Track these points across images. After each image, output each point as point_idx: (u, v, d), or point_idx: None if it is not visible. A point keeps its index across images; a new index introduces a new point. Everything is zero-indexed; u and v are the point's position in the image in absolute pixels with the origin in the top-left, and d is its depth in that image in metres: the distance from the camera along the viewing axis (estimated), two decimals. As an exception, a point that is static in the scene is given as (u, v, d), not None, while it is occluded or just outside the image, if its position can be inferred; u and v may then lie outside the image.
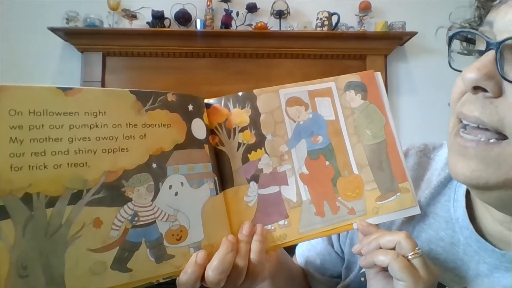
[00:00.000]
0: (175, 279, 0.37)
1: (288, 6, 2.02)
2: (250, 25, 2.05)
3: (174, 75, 2.02)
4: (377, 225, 0.43)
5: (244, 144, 0.44)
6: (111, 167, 0.35)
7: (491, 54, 0.34)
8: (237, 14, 2.03)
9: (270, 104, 0.45)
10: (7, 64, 1.95)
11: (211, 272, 0.36)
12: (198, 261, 0.36)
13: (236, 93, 0.45)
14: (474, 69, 0.33)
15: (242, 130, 0.44)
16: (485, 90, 0.34)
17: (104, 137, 0.35)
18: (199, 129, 0.41)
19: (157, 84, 1.99)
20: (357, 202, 0.44)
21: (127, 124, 0.36)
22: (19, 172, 0.31)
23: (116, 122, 0.35)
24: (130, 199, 0.35)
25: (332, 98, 0.46)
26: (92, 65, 1.99)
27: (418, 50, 2.13)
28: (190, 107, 0.41)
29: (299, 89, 0.46)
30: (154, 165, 0.37)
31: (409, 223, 0.48)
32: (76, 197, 0.33)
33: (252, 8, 2.02)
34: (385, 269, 0.38)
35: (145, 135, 0.37)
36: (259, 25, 2.00)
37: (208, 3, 2.00)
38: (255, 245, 0.40)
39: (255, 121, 0.44)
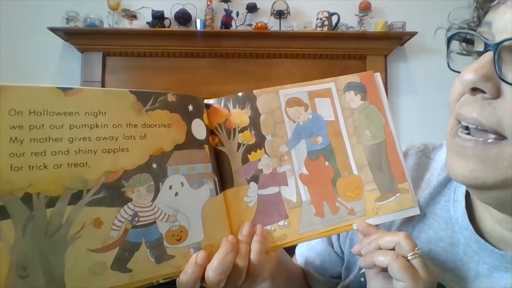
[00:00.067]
0: (175, 280, 0.37)
1: (288, 6, 2.02)
2: (250, 25, 2.05)
3: (174, 75, 2.02)
4: (376, 225, 0.43)
5: (244, 144, 0.44)
6: (111, 167, 0.35)
7: (489, 55, 0.34)
8: (237, 14, 2.02)
9: (270, 105, 0.45)
10: (7, 64, 1.95)
11: (211, 272, 0.36)
12: (198, 261, 0.36)
13: (236, 94, 0.45)
14: (472, 71, 0.33)
15: (242, 130, 0.44)
16: (483, 92, 0.34)
17: (104, 137, 0.35)
18: (199, 129, 0.41)
19: (157, 84, 1.99)
20: (357, 202, 0.44)
21: (127, 124, 0.36)
22: (19, 172, 0.31)
23: (116, 122, 0.35)
24: (130, 199, 0.35)
25: (331, 99, 0.46)
26: (92, 65, 1.99)
27: (418, 50, 2.13)
28: (190, 108, 0.41)
29: (299, 90, 0.46)
30: (154, 165, 0.37)
31: (409, 224, 0.48)
32: (76, 197, 0.33)
33: (252, 8, 2.02)
34: (384, 270, 0.38)
35: (145, 135, 0.37)
36: (259, 25, 2.00)
37: (208, 3, 2.00)
38: (255, 246, 0.40)
39: (255, 122, 0.44)
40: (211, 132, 0.43)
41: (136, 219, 0.35)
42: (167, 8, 1.98)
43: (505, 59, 0.33)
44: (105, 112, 0.35)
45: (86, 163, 0.33)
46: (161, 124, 0.38)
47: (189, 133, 0.40)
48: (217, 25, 2.03)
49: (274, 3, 2.01)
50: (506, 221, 0.40)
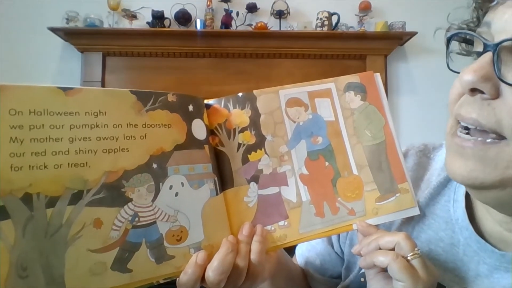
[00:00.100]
0: (175, 280, 0.37)
1: (288, 6, 2.02)
2: (250, 25, 2.05)
3: (174, 75, 2.02)
4: (376, 225, 0.43)
5: (244, 144, 0.44)
6: (111, 167, 0.35)
7: (488, 55, 0.34)
8: (237, 14, 2.02)
9: (270, 105, 0.45)
10: (7, 64, 1.95)
11: (211, 272, 0.36)
12: (198, 261, 0.36)
13: (236, 94, 0.45)
14: (471, 71, 0.33)
15: (242, 130, 0.44)
16: (482, 92, 0.34)
17: (105, 137, 0.35)
18: (199, 129, 0.41)
19: (157, 84, 1.99)
20: (357, 202, 0.44)
21: (127, 124, 0.36)
22: (19, 172, 0.31)
23: (116, 122, 0.35)
24: (130, 200, 0.35)
25: (331, 99, 0.46)
26: (92, 65, 1.99)
27: (418, 50, 2.13)
28: (191, 108, 0.41)
29: (299, 90, 0.46)
30: (155, 166, 0.37)
31: (409, 224, 0.48)
32: (76, 197, 0.33)
33: (252, 8, 2.02)
34: (384, 270, 0.38)
35: (145, 135, 0.37)
36: (259, 25, 2.00)
37: (208, 3, 2.00)
38: (255, 246, 0.40)
39: (255, 122, 0.44)
40: (211, 132, 0.43)
41: (136, 219, 0.35)
42: (167, 8, 1.98)
43: (504, 59, 0.33)
44: (105, 112, 0.35)
45: (87, 163, 0.33)
46: (162, 124, 0.38)
47: (189, 133, 0.40)
48: (217, 25, 2.03)
49: (274, 3, 2.01)
50: (506, 221, 0.40)
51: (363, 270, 0.47)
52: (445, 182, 0.48)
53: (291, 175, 0.44)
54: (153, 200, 0.36)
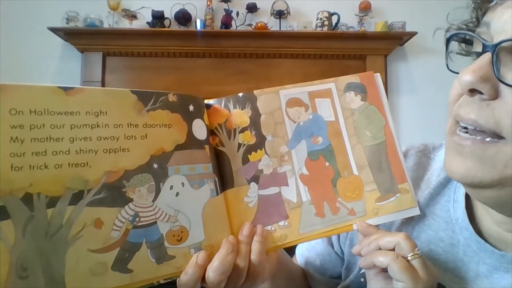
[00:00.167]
0: (176, 280, 0.37)
1: (288, 6, 2.02)
2: (250, 25, 2.05)
3: (174, 75, 2.02)
4: (377, 226, 0.43)
5: (244, 144, 0.44)
6: (112, 167, 0.35)
7: (487, 56, 0.34)
8: (237, 14, 2.02)
9: (270, 105, 0.45)
10: (7, 64, 1.95)
11: (212, 273, 0.36)
12: (198, 261, 0.36)
13: (236, 94, 0.45)
14: (470, 72, 0.33)
15: (242, 130, 0.44)
16: (481, 93, 0.34)
17: (105, 137, 0.35)
18: (199, 129, 0.41)
19: (157, 84, 1.99)
20: (357, 203, 0.44)
21: (128, 124, 0.36)
22: (20, 172, 0.30)
23: (117, 122, 0.35)
24: (131, 200, 0.35)
25: (332, 99, 0.47)
26: (92, 65, 1.99)
27: (418, 50, 2.13)
28: (191, 108, 0.41)
29: (299, 90, 0.46)
30: (155, 166, 0.37)
31: (409, 224, 0.48)
32: (77, 197, 0.33)
33: (252, 8, 2.02)
34: (384, 270, 0.38)
35: (146, 135, 0.37)
36: (259, 25, 2.00)
37: (208, 3, 2.00)
38: (255, 246, 0.40)
39: (255, 122, 0.44)
40: (211, 132, 0.43)
41: (137, 219, 0.35)
42: (167, 8, 1.98)
43: (503, 60, 0.33)
44: (106, 112, 0.35)
45: (87, 163, 0.33)
46: (162, 124, 0.38)
47: (189, 133, 0.40)
48: (217, 25, 2.03)
49: (274, 3, 2.01)
50: (506, 222, 0.40)
51: (363, 270, 0.47)
52: (445, 182, 0.48)
53: (291, 175, 0.44)
54: (153, 200, 0.36)
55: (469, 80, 0.33)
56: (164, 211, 0.37)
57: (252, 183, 0.43)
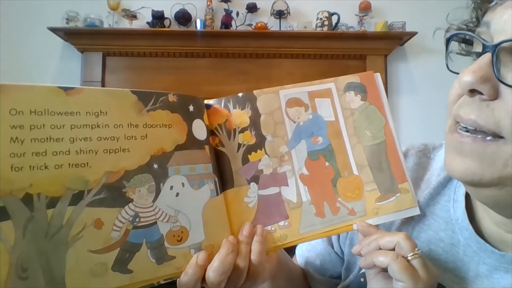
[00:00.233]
0: (176, 280, 0.37)
1: (288, 6, 2.02)
2: (250, 25, 2.05)
3: (174, 75, 2.02)
4: (377, 225, 0.43)
5: (244, 145, 0.44)
6: (112, 168, 0.35)
7: (487, 56, 0.33)
8: (237, 14, 2.02)
9: (270, 105, 0.45)
10: (7, 64, 1.95)
11: (212, 273, 0.36)
12: (198, 262, 0.36)
13: (236, 94, 0.45)
14: (469, 72, 0.33)
15: (242, 131, 0.44)
16: (481, 93, 0.34)
17: (106, 137, 0.35)
18: (199, 129, 0.41)
19: (157, 84, 1.99)
20: (357, 202, 0.44)
21: (128, 125, 0.36)
22: (20, 172, 0.30)
23: (117, 122, 0.35)
24: (131, 200, 0.35)
25: (332, 99, 0.47)
26: (92, 65, 1.99)
27: (418, 50, 2.13)
28: (191, 108, 0.41)
29: (299, 90, 0.46)
30: (155, 166, 0.37)
31: (409, 224, 0.48)
32: (77, 197, 0.33)
33: (252, 8, 2.02)
34: (384, 270, 0.38)
35: (146, 136, 0.37)
36: (259, 25, 2.00)
37: (208, 3, 2.00)
38: (255, 246, 0.40)
39: (255, 122, 0.44)
40: (211, 132, 0.43)
41: (137, 219, 0.35)
42: (167, 8, 1.98)
43: (503, 60, 0.33)
44: (106, 112, 0.35)
45: (87, 163, 0.33)
46: (162, 124, 0.38)
47: (189, 133, 0.40)
48: (217, 25, 2.03)
49: (274, 3, 2.01)
50: (505, 223, 0.40)
51: (363, 270, 0.47)
52: (445, 182, 0.48)
53: (291, 175, 0.44)
54: (153, 201, 0.36)
55: (469, 80, 0.33)
56: (164, 212, 0.37)
57: (252, 183, 0.43)
